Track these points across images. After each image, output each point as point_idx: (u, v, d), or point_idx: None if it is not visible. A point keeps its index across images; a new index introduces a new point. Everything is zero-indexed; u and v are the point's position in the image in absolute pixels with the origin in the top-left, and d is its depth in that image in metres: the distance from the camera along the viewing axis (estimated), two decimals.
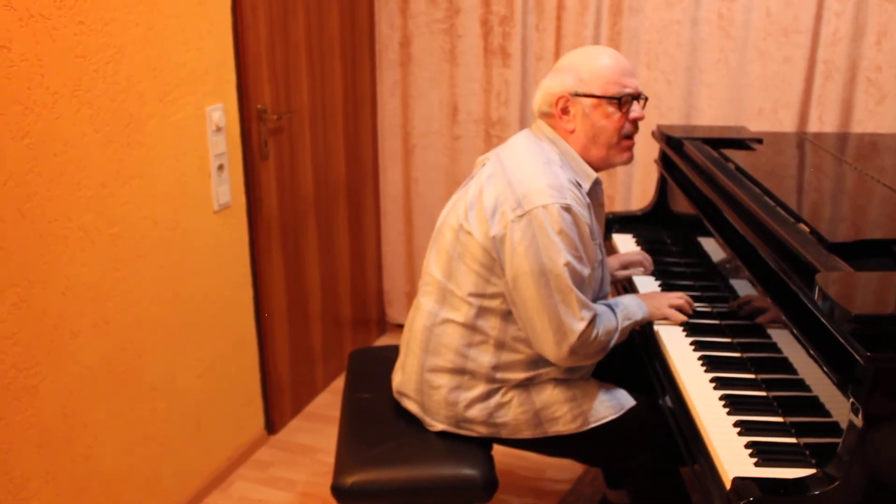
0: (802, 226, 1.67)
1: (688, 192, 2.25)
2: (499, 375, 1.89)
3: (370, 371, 2.24)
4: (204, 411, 2.62)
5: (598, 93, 1.84)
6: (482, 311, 1.85)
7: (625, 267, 2.28)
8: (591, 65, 1.85)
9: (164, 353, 2.40)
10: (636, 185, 3.17)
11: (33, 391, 1.98)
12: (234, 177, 2.62)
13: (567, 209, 1.74)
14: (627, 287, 2.27)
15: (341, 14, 3.11)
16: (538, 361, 1.88)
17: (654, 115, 3.04)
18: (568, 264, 1.74)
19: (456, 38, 3.27)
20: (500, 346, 1.87)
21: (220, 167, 2.53)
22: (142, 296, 2.28)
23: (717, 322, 1.98)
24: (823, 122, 2.86)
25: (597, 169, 1.91)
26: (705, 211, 2.07)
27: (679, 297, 1.99)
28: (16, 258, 1.89)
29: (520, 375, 1.89)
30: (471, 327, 1.87)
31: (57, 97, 1.94)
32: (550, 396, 1.90)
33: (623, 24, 3.02)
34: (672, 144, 2.41)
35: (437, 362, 1.91)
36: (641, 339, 2.06)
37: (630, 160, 1.93)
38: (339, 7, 3.09)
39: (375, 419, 2.02)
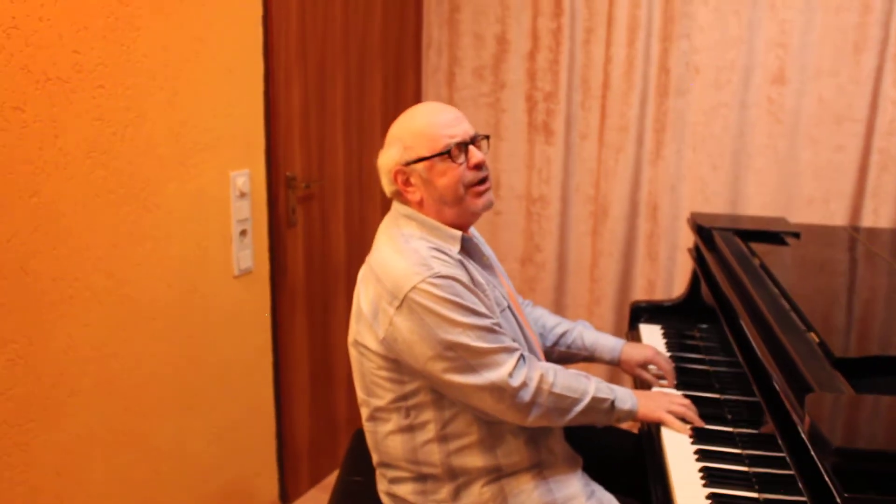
0: (812, 335, 1.53)
1: (713, 285, 2.12)
2: (456, 465, 1.77)
3: (369, 453, 2.16)
4: (213, 477, 2.58)
5: (426, 154, 1.74)
6: (411, 412, 1.77)
7: (645, 363, 2.08)
8: (410, 129, 1.78)
9: (172, 416, 2.38)
10: (679, 272, 3.04)
11: (24, 447, 1.97)
12: (258, 242, 2.62)
13: (437, 276, 1.65)
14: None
15: (384, 84, 3.12)
16: (493, 443, 1.76)
17: (699, 200, 2.93)
18: (466, 327, 1.65)
19: (500, 113, 3.24)
20: (443, 438, 1.76)
21: (243, 232, 2.53)
22: (150, 358, 2.27)
23: (729, 430, 1.83)
24: (878, 214, 2.69)
25: (460, 227, 1.80)
26: (723, 307, 1.95)
27: (681, 404, 1.85)
28: (15, 315, 1.90)
29: (478, 462, 1.76)
30: (408, 430, 1.78)
31: (70, 158, 1.97)
32: (528, 500, 1.77)
33: (669, 105, 2.94)
34: (702, 234, 2.29)
35: (396, 474, 1.84)
36: (646, 440, 1.93)
37: (489, 203, 1.81)
38: (382, 77, 3.10)
39: None
